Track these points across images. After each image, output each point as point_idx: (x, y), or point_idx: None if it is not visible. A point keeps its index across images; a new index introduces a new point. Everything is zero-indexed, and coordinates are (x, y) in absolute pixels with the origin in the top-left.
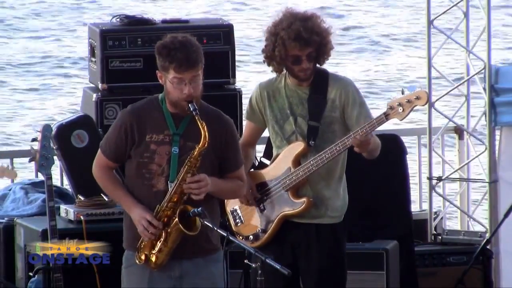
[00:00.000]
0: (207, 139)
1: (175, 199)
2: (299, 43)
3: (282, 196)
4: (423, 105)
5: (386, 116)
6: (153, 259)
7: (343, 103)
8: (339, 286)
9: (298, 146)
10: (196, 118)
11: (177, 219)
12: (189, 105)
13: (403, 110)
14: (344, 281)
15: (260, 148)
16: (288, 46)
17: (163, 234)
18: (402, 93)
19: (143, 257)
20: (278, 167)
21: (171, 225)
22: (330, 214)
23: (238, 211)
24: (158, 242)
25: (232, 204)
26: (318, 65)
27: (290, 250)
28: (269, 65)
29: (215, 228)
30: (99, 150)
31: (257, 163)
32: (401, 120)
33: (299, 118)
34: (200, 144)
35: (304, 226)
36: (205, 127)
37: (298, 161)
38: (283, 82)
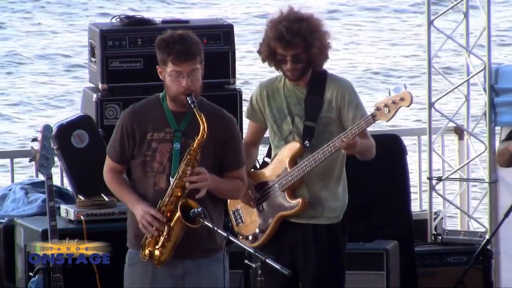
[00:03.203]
0: (206, 131)
1: (176, 194)
2: (280, 44)
3: (279, 196)
4: (407, 106)
5: (373, 117)
6: (157, 255)
7: (339, 104)
8: (337, 287)
9: (294, 146)
10: (195, 110)
11: (179, 213)
12: (188, 98)
13: (388, 111)
14: (342, 281)
15: (262, 149)
16: (271, 45)
17: (166, 228)
18: (389, 94)
19: (147, 253)
20: (276, 167)
21: (173, 219)
22: (327, 215)
23: (240, 211)
24: (162, 238)
25: (234, 204)
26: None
27: (289, 250)
28: (262, 60)
29: (215, 228)
30: (107, 155)
31: (258, 164)
32: (387, 121)
33: (296, 118)
34: (199, 136)
35: (302, 226)
36: (204, 118)
37: (294, 161)
38: (282, 82)
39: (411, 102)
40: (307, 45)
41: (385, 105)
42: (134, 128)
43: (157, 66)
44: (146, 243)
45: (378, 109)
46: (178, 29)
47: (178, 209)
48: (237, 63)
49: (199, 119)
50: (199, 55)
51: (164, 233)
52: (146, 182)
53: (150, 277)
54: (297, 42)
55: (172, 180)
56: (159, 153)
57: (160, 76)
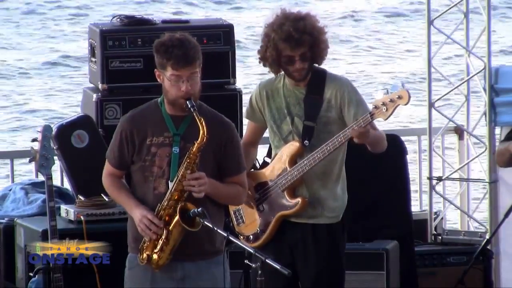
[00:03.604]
0: (205, 134)
1: (175, 197)
2: (290, 44)
3: (279, 196)
4: (405, 104)
5: (371, 116)
6: (156, 259)
7: (339, 103)
8: (337, 286)
9: (293, 146)
10: (194, 114)
11: (178, 216)
12: (187, 102)
13: (386, 109)
14: (342, 281)
15: (262, 149)
16: (279, 47)
17: (165, 232)
18: (387, 92)
19: (145, 257)
20: (276, 167)
21: (172, 223)
22: (327, 214)
23: (241, 211)
24: (160, 241)
25: None
26: (316, 65)
27: (289, 250)
28: (264, 66)
29: (215, 228)
30: (106, 160)
31: (258, 164)
32: (385, 119)
33: (296, 118)
34: (199, 139)
35: (301, 226)
36: (203, 122)
37: (294, 161)
38: (282, 82)
39: (409, 100)
40: (314, 40)
41: (383, 104)
42: (133, 133)
43: (155, 70)
44: (144, 247)
45: (376, 107)
46: (178, 29)
47: (177, 213)
48: None
49: (199, 123)
50: (198, 58)
51: (163, 237)
52: (146, 186)
53: (149, 280)
54: (305, 40)
55: (171, 184)
56: (158, 157)
57: (158, 80)
